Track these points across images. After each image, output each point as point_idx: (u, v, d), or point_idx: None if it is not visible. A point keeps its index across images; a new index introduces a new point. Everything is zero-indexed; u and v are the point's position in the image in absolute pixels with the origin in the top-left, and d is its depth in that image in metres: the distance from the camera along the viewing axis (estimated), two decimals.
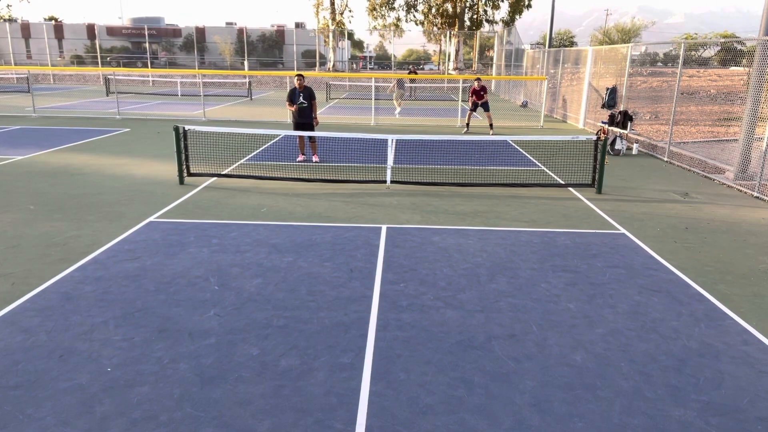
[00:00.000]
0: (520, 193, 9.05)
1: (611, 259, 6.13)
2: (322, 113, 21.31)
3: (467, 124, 16.84)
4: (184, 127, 9.34)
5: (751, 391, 3.74)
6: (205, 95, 21.93)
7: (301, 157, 11.46)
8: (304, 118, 11.18)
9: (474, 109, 16.53)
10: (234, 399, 3.56)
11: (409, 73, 31.07)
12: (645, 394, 3.68)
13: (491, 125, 16.46)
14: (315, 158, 11.40)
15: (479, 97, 16.40)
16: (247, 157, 11.60)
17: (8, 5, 56.20)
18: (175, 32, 58.74)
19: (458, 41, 45.08)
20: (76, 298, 4.91)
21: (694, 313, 4.90)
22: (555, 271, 5.78)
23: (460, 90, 20.91)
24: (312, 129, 11.31)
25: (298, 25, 58.70)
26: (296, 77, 11.27)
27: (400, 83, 22.20)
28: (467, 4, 45.28)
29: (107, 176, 9.77)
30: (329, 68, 46.23)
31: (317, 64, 48.85)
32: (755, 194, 9.27)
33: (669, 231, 7.23)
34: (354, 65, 62.09)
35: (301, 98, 11.09)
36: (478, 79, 16.69)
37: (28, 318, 4.55)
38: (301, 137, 11.34)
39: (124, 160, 11.19)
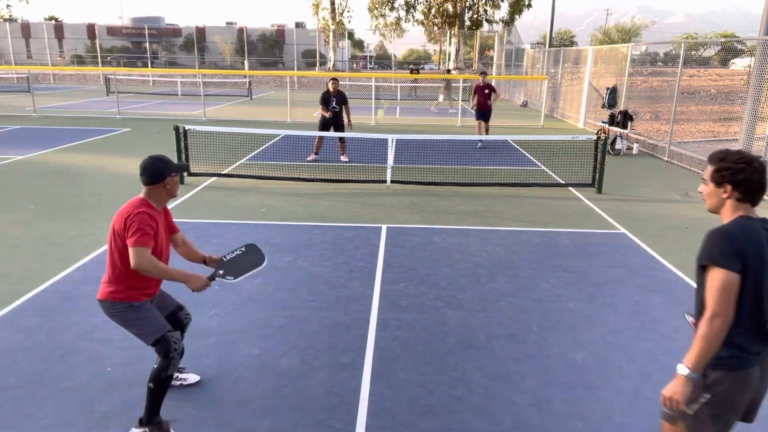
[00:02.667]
0: (520, 193, 9.05)
1: (611, 259, 6.13)
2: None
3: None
4: (184, 127, 9.34)
5: None
6: (205, 95, 21.93)
7: (312, 157, 11.44)
8: (335, 119, 11.25)
9: (480, 117, 13.28)
10: (234, 399, 3.56)
11: (410, 73, 31.13)
12: (645, 394, 3.68)
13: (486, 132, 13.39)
14: (344, 158, 11.37)
15: (485, 100, 13.13)
16: (247, 157, 11.61)
17: (8, 5, 56.20)
18: (176, 32, 58.75)
19: (458, 41, 45.05)
20: (76, 298, 4.91)
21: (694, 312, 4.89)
22: (555, 270, 5.78)
23: (461, 90, 20.91)
24: (342, 128, 11.35)
25: (298, 25, 58.69)
26: (331, 81, 11.27)
27: (446, 85, 22.93)
28: (467, 4, 45.24)
29: (107, 176, 9.77)
30: (329, 68, 46.20)
31: (317, 63, 48.83)
32: None
33: (669, 231, 7.23)
34: (354, 65, 62.08)
35: (333, 102, 11.13)
36: (483, 74, 13.42)
37: (28, 318, 4.55)
38: (320, 137, 11.32)
39: (124, 160, 11.19)
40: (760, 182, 2.25)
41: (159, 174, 3.20)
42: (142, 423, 3.18)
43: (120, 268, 3.11)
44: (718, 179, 2.31)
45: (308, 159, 11.43)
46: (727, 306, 2.16)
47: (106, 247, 6.17)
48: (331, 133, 11.03)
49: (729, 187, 2.29)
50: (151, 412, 3.16)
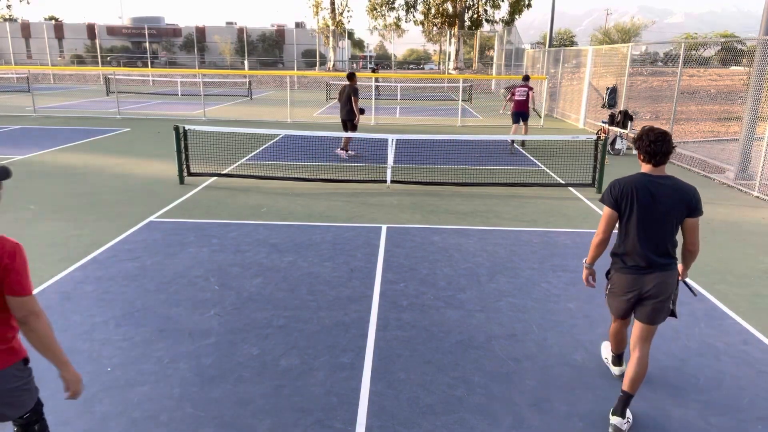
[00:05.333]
0: (520, 193, 9.05)
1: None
2: (322, 112, 21.32)
3: (513, 142, 13.27)
4: (184, 127, 9.34)
5: (751, 391, 3.74)
6: (205, 95, 21.93)
7: (353, 153, 11.84)
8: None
9: (522, 120, 13.10)
10: (234, 399, 3.56)
11: (373, 72, 31.12)
12: (645, 394, 3.68)
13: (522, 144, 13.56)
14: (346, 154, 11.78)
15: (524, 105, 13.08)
16: (247, 157, 11.61)
17: (8, 5, 56.14)
18: (176, 32, 58.70)
19: (458, 41, 45.05)
20: (76, 298, 4.91)
21: (694, 313, 4.90)
22: (555, 270, 5.78)
23: (460, 90, 20.91)
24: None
25: (298, 25, 58.65)
26: (354, 76, 11.56)
27: (509, 88, 22.69)
28: (467, 4, 45.23)
29: (107, 176, 9.77)
30: (329, 68, 46.21)
31: (317, 63, 48.84)
32: (755, 194, 9.27)
33: None
34: (354, 65, 62.07)
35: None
36: (526, 77, 13.41)
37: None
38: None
39: (124, 160, 11.19)
40: (646, 148, 3.26)
41: None
42: None
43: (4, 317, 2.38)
44: (635, 146, 3.36)
45: (351, 154, 11.74)
46: (602, 228, 3.38)
47: (106, 247, 6.20)
48: (357, 134, 11.28)
49: (637, 150, 3.35)
50: None
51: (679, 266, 3.46)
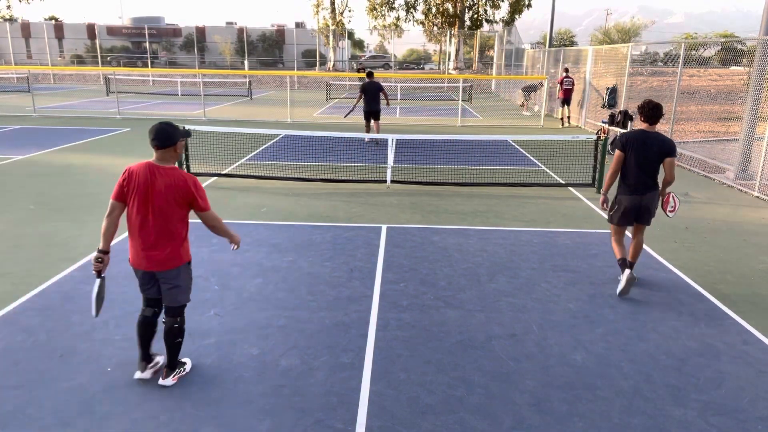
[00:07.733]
0: (520, 193, 9.05)
1: (611, 259, 6.12)
2: (322, 112, 21.32)
3: (563, 119, 18.33)
4: (184, 127, 9.33)
5: (751, 391, 3.74)
6: (205, 95, 21.93)
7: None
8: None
9: (567, 104, 18.07)
10: (234, 399, 3.56)
11: (358, 71, 31.04)
12: (645, 394, 3.68)
13: (569, 118, 18.34)
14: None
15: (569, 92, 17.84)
16: (247, 157, 11.61)
17: (8, 5, 56.06)
18: (176, 32, 58.66)
19: (458, 41, 45.01)
20: (76, 298, 4.91)
21: (694, 313, 4.90)
22: (555, 270, 5.78)
23: (461, 90, 20.91)
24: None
25: (298, 25, 58.61)
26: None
27: (528, 89, 22.95)
28: (467, 4, 45.18)
29: (107, 176, 9.77)
30: (329, 68, 46.20)
31: (317, 63, 48.83)
32: (755, 194, 9.27)
33: (669, 231, 7.23)
34: (354, 65, 62.04)
35: None
36: (567, 69, 18.09)
37: (28, 318, 4.55)
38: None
39: (124, 160, 11.18)
40: (645, 113, 4.97)
41: (171, 138, 3.70)
42: (172, 369, 3.67)
43: (181, 231, 3.54)
44: (637, 111, 5.06)
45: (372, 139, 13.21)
46: (613, 165, 5.10)
47: None
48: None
49: (638, 114, 5.05)
50: (176, 359, 3.69)
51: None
